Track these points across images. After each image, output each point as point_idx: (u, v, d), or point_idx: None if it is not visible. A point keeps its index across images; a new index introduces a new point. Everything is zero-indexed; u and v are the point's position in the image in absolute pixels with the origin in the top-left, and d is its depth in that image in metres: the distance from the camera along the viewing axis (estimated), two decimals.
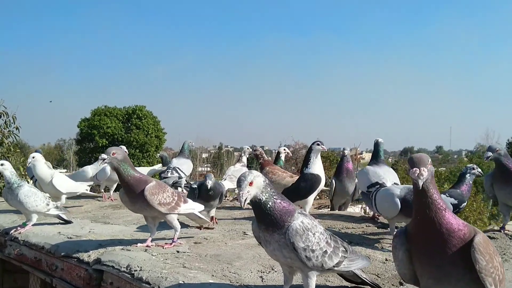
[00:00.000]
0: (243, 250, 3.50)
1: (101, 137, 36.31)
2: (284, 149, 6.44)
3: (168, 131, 41.02)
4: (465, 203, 4.60)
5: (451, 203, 4.57)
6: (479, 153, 50.14)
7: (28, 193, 4.32)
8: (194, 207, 3.80)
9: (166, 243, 3.60)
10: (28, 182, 9.37)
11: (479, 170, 4.64)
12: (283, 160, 6.36)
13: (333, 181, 5.39)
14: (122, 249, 3.44)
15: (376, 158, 4.84)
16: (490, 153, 3.96)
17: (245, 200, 2.24)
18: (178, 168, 6.82)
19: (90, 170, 6.47)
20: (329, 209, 6.45)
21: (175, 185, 7.21)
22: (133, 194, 3.40)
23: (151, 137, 37.16)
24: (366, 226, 4.42)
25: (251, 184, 2.27)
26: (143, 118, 37.03)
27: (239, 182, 2.26)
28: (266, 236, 2.37)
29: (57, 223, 4.66)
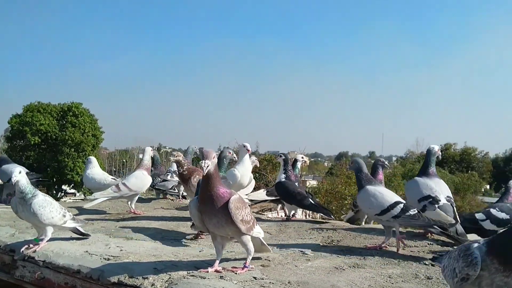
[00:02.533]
0: (328, 276, 3.07)
1: (33, 135, 34.28)
2: (302, 157, 5.97)
3: (106, 130, 39.45)
4: None
5: (503, 218, 4.39)
6: (410, 159, 52.48)
7: (43, 203, 3.65)
8: (260, 231, 3.31)
9: (235, 267, 3.09)
10: None
11: None
12: (299, 168, 5.88)
13: None
14: (193, 276, 2.90)
15: (426, 168, 4.51)
16: None
17: None
18: None
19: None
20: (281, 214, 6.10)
21: (169, 190, 6.65)
22: (213, 207, 2.88)
23: (88, 136, 35.52)
24: (428, 244, 4.08)
25: None
26: (79, 115, 35.31)
27: None
28: None
29: (72, 239, 4.00)
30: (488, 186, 52.55)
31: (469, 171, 45.65)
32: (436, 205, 4.13)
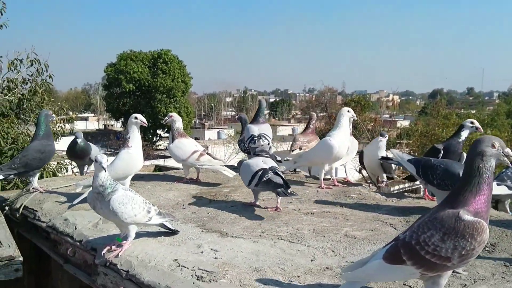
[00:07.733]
0: None
1: (128, 82, 35.36)
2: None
3: (194, 75, 39.78)
4: None
5: None
6: None
7: (124, 200, 3.07)
8: None
9: None
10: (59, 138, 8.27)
11: None
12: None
13: None
14: None
15: None
16: None
17: None
18: (265, 134, 5.63)
19: None
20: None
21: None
22: None
23: (178, 82, 36.00)
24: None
25: None
26: (169, 62, 35.73)
27: None
28: None
29: (159, 234, 3.43)
30: None
31: None
32: None
